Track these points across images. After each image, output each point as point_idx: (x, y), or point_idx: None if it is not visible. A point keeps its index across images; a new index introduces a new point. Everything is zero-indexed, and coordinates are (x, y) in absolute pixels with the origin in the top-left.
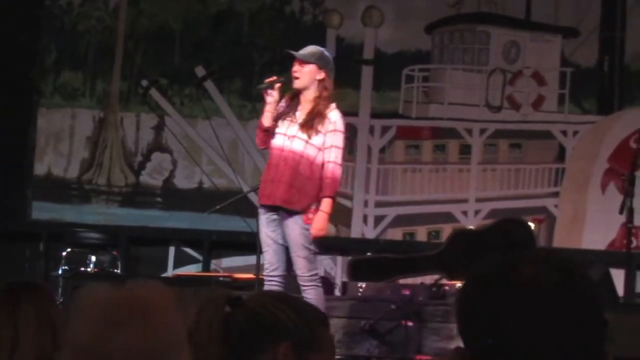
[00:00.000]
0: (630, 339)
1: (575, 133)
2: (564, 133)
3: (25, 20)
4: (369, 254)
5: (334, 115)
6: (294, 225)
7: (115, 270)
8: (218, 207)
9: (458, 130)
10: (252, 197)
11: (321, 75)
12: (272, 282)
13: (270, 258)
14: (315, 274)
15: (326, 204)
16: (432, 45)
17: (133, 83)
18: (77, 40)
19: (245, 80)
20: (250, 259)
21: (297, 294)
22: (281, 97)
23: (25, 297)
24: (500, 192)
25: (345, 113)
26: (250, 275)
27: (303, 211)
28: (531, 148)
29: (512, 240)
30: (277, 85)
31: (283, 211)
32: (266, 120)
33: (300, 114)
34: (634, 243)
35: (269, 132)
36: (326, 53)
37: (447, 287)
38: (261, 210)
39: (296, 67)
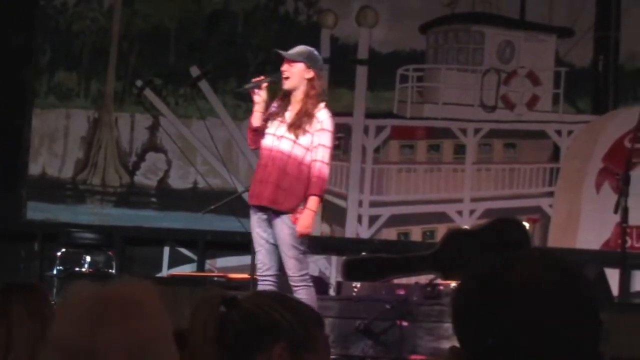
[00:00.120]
0: (625, 339)
1: (569, 133)
2: (559, 133)
3: (19, 21)
4: (363, 253)
5: (322, 115)
6: (282, 226)
7: (110, 271)
8: (213, 207)
9: (452, 130)
10: (247, 197)
11: (310, 74)
12: (266, 282)
13: (263, 258)
14: (306, 274)
15: (312, 202)
16: (427, 45)
17: (127, 83)
18: (72, 41)
19: (240, 80)
20: (245, 259)
21: (291, 293)
22: (274, 98)
23: (18, 297)
24: (495, 192)
25: (339, 113)
26: (245, 275)
27: (291, 211)
28: (526, 148)
29: (506, 240)
30: (264, 84)
31: (271, 212)
32: (255, 120)
33: (290, 114)
34: (629, 243)
35: (259, 132)
36: (315, 52)
37: (441, 287)
38: (252, 211)
39: (285, 67)
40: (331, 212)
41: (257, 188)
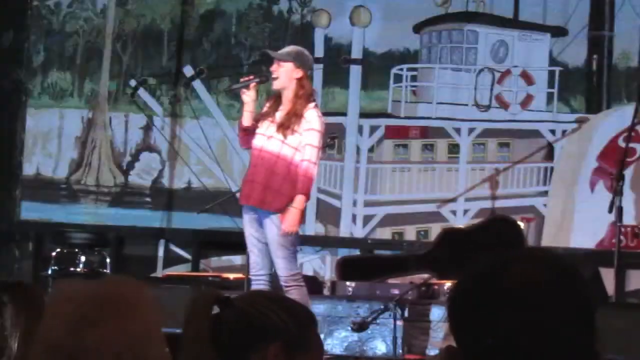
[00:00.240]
0: (620, 339)
1: (563, 132)
2: (553, 132)
3: (13, 21)
4: (358, 253)
5: (310, 115)
6: (270, 226)
7: (105, 270)
8: (207, 206)
9: (447, 130)
10: None
11: (299, 74)
12: (260, 282)
13: (256, 257)
14: (297, 274)
15: (298, 200)
16: (421, 44)
17: (121, 83)
18: (65, 41)
19: (234, 79)
20: (239, 259)
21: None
22: (267, 98)
23: (11, 297)
24: (489, 191)
25: (333, 113)
26: (240, 275)
27: (280, 211)
28: (520, 147)
29: (501, 239)
30: (252, 84)
31: (261, 212)
32: (245, 120)
33: (280, 114)
34: (623, 242)
35: (249, 132)
36: (305, 52)
37: (436, 287)
38: (244, 210)
39: (274, 67)
40: (325, 212)
41: (246, 188)
